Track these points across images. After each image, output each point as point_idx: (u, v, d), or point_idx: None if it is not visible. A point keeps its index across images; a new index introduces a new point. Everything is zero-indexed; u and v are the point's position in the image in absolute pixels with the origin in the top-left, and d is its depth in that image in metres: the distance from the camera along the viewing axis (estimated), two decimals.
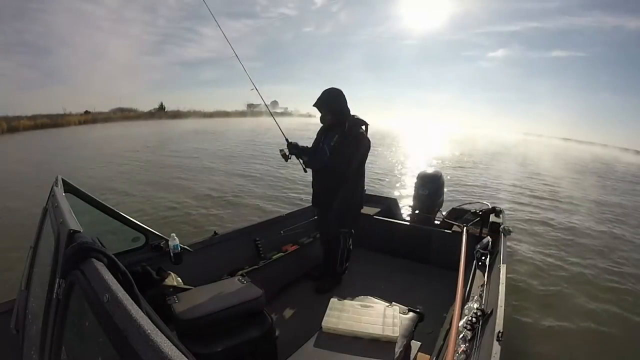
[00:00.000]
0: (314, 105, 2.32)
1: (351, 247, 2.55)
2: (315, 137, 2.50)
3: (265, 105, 2.86)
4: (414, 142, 25.47)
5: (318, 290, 2.47)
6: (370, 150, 2.37)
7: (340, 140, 2.27)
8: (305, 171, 2.47)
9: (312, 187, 2.54)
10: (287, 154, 2.37)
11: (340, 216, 2.38)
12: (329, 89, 2.31)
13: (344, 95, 2.30)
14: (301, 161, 2.44)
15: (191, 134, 22.72)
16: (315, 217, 2.72)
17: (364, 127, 2.31)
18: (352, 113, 2.33)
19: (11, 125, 29.47)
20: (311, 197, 2.58)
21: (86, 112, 47.43)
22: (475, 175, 11.51)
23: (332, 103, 2.29)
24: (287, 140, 2.42)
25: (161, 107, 64.32)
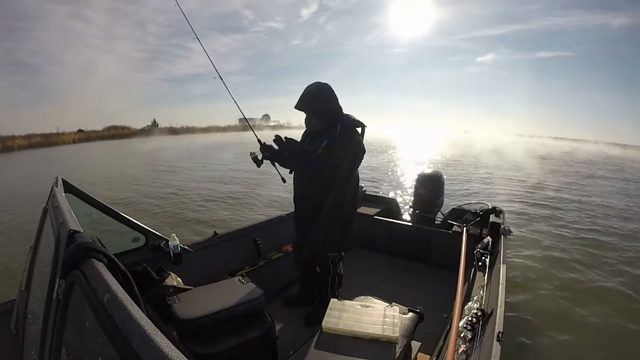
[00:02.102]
0: (296, 107, 1.87)
1: (342, 271, 2.14)
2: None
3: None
4: (413, 149, 26.62)
5: (308, 322, 2.08)
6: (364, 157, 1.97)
7: (330, 147, 1.84)
8: (284, 181, 2.07)
9: (297, 201, 2.09)
10: (260, 157, 1.97)
11: (330, 238, 1.97)
12: (314, 85, 1.85)
13: (332, 92, 1.85)
14: (277, 168, 2.04)
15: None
16: None
17: (359, 129, 1.92)
18: (345, 112, 1.91)
19: (6, 145, 29.78)
20: (294, 213, 2.15)
21: (79, 131, 48.49)
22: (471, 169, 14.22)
23: (317, 103, 1.84)
24: (259, 141, 2.00)
25: (154, 124, 64.67)
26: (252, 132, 2.32)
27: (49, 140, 37.53)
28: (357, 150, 1.88)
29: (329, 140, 1.85)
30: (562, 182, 11.22)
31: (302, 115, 1.93)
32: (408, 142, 33.92)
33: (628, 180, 12.72)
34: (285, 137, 1.95)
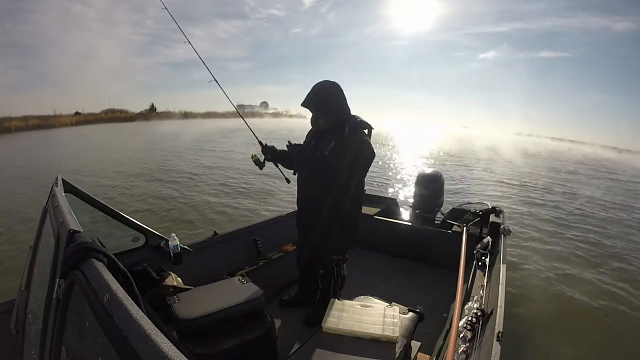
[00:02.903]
0: (302, 105, 1.82)
1: (345, 273, 2.09)
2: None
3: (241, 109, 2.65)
4: (413, 143, 27.20)
5: (308, 322, 2.04)
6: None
7: (337, 149, 1.78)
8: (289, 182, 2.03)
9: (300, 204, 2.03)
10: (262, 160, 1.95)
11: (335, 241, 1.92)
12: (322, 83, 1.81)
13: (342, 91, 1.81)
14: (280, 168, 2.01)
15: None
16: None
17: (366, 131, 1.86)
18: (352, 113, 1.87)
19: (2, 126, 29.72)
20: (297, 215, 2.10)
21: (77, 114, 48.46)
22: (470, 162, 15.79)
23: (326, 102, 1.80)
24: (260, 143, 2.00)
25: (152, 108, 64.22)
26: (252, 118, 2.31)
27: (46, 123, 37.21)
28: (368, 155, 1.83)
29: (336, 142, 1.79)
30: (547, 177, 12.67)
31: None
32: (408, 137, 35.04)
33: (615, 181, 13.82)
34: (295, 144, 1.94)
